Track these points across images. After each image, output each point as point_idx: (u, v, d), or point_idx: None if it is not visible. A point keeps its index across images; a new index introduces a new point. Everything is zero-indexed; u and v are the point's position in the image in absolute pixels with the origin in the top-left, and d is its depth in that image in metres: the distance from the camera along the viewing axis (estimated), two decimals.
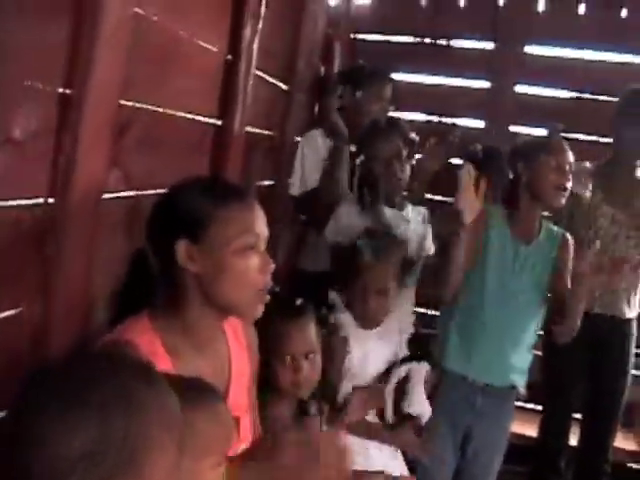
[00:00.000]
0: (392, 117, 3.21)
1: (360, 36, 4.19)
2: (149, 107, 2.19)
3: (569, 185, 2.72)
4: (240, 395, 1.75)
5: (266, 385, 2.05)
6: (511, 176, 2.82)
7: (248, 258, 1.60)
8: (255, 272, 1.60)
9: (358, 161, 2.91)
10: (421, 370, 2.53)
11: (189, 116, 2.49)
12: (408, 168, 2.90)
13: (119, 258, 1.89)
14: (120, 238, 2.10)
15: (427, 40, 4.13)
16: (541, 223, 2.85)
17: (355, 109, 3.40)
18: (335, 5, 3.99)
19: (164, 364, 1.52)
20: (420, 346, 2.92)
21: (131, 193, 2.13)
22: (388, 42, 4.18)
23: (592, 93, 3.92)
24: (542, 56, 4.04)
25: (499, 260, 2.77)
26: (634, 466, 3.50)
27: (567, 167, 2.73)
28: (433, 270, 2.71)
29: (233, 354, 1.74)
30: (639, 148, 3.19)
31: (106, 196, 1.96)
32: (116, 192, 2.05)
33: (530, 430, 3.48)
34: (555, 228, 2.88)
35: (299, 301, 2.20)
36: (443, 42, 4.11)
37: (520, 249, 2.78)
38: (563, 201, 2.73)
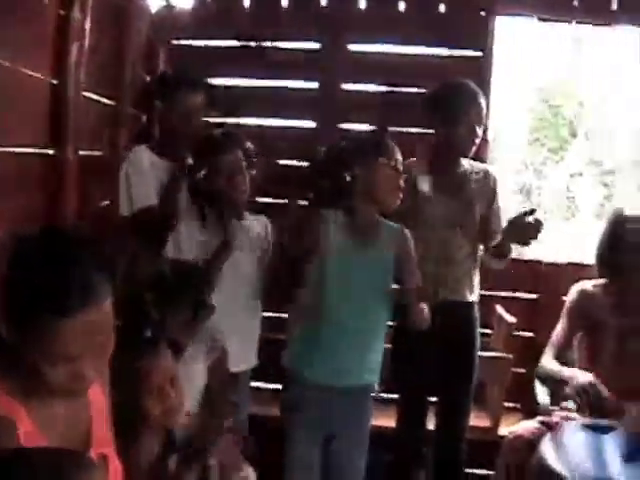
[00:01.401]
0: (228, 130, 3.18)
1: (184, 42, 4.08)
2: None
3: (402, 183, 2.80)
4: (103, 429, 1.69)
5: (133, 421, 2.02)
6: (348, 178, 2.84)
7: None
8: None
9: (201, 175, 2.86)
10: None
11: (19, 150, 2.36)
12: (248, 178, 2.92)
13: None
14: None
15: (252, 43, 4.07)
16: (379, 221, 2.92)
17: (161, 120, 3.35)
18: (157, 11, 3.87)
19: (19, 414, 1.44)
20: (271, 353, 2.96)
21: None
22: (212, 47, 4.10)
23: (414, 86, 3.99)
24: (366, 53, 4.09)
25: (342, 264, 2.81)
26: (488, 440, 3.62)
27: (400, 166, 2.82)
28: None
29: (90, 390, 1.66)
30: (471, 142, 3.29)
31: None
32: None
33: (389, 420, 3.53)
34: (393, 225, 2.95)
35: (148, 332, 2.17)
36: (268, 44, 4.07)
37: (361, 250, 2.83)
38: (399, 201, 2.81)
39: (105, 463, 1.59)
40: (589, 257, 3.49)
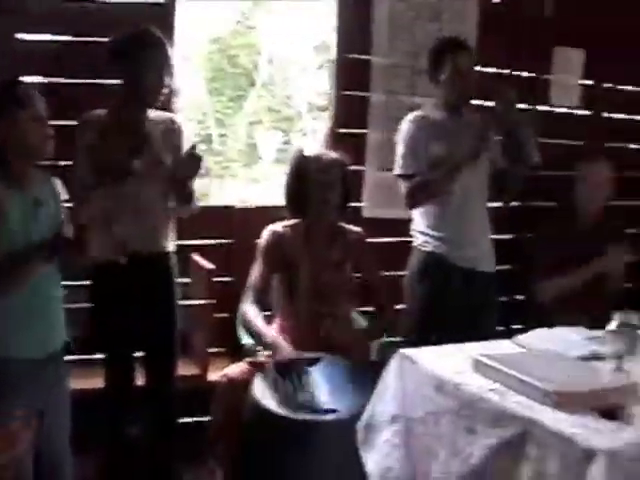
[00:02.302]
0: None
1: None
2: None
3: (51, 132, 2.74)
4: None
5: None
6: None
7: None
8: None
9: None
10: None
11: None
12: None
13: None
14: None
15: None
16: (38, 174, 2.84)
17: None
18: None
19: None
20: None
21: None
22: None
23: (98, 36, 3.79)
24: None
25: (21, 221, 2.70)
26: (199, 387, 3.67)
27: (43, 114, 2.74)
28: None
29: None
30: (159, 91, 3.27)
31: None
32: None
33: (95, 381, 3.45)
34: (52, 178, 2.90)
35: None
36: None
37: (30, 206, 2.73)
38: (49, 150, 2.76)
39: None
40: (274, 199, 3.64)
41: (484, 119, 3.58)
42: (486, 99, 3.77)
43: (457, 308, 3.67)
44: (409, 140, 3.69)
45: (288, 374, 3.08)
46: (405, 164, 3.67)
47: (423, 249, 3.76)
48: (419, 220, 3.79)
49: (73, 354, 2.95)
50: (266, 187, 7.99)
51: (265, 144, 8.20)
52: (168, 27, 3.71)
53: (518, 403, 2.29)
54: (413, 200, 3.68)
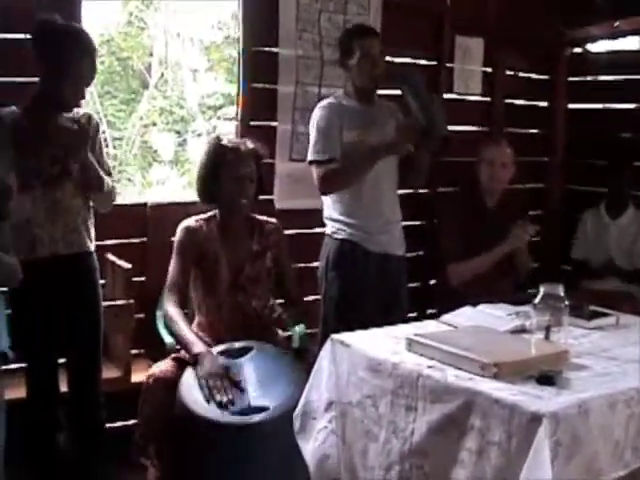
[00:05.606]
0: None
1: None
2: None
3: None
4: None
5: None
6: None
7: None
8: None
9: None
10: None
11: None
12: None
13: None
14: None
15: None
16: None
17: None
18: None
19: None
20: None
21: None
22: None
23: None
24: None
25: None
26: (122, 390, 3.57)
27: None
28: None
29: None
30: (80, 93, 3.18)
31: None
32: None
33: (19, 391, 3.29)
34: None
35: None
36: None
37: None
38: None
39: None
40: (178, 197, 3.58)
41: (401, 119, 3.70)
42: (393, 87, 3.82)
43: (373, 292, 3.75)
44: (323, 126, 3.72)
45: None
46: (319, 150, 3.70)
47: (337, 237, 3.80)
48: (331, 208, 3.82)
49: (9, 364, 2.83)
50: (163, 190, 7.89)
51: (160, 146, 8.09)
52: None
53: (457, 377, 2.34)
54: (328, 186, 3.70)
